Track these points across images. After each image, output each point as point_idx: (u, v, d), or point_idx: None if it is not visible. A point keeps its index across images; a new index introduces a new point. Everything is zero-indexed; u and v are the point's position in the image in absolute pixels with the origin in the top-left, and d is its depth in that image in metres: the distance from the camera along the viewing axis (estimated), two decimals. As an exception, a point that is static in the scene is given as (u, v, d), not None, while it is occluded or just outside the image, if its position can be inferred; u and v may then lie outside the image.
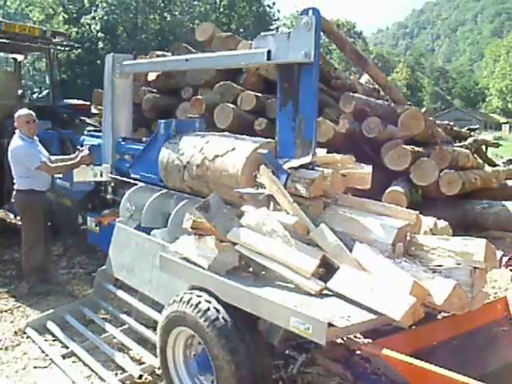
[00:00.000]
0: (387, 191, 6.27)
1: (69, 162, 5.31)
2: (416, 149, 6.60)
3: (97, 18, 32.36)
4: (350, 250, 2.84)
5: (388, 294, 2.52)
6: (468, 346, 2.72)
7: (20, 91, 8.58)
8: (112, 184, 5.32)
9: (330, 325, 2.27)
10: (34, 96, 8.70)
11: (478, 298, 2.70)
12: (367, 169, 3.45)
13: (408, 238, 2.89)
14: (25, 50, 8.37)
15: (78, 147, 5.61)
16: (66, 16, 30.61)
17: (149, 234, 4.22)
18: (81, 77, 30.33)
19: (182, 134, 4.41)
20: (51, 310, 4.67)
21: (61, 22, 29.36)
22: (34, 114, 5.35)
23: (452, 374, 2.14)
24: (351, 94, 7.03)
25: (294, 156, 3.49)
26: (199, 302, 2.85)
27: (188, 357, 3.14)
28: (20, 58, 8.88)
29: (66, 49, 8.64)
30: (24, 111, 5.34)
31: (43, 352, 4.02)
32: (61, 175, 5.67)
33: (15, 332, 4.44)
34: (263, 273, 2.95)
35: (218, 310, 2.78)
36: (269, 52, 3.54)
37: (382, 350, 2.32)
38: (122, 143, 5.30)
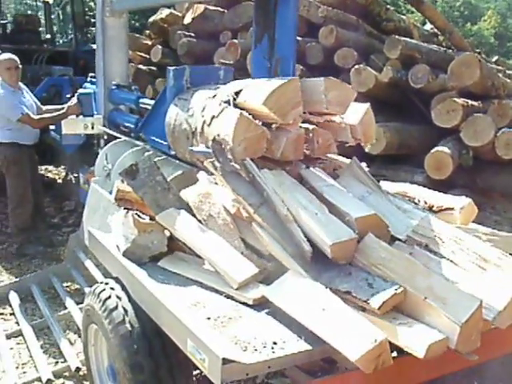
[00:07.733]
0: (431, 152, 5.31)
1: (55, 113, 4.72)
2: (470, 102, 5.50)
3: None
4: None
5: (349, 320, 1.68)
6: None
7: (48, 36, 8.17)
8: (105, 137, 4.72)
9: (227, 361, 1.52)
10: (61, 41, 8.26)
11: None
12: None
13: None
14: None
15: (67, 96, 5.03)
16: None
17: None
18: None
19: (198, 88, 3.09)
20: (25, 276, 4.23)
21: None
22: (17, 59, 4.75)
23: None
24: (397, 37, 5.99)
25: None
26: (109, 297, 2.18)
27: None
28: (50, 0, 8.43)
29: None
30: (5, 56, 4.72)
31: (-8, 329, 3.55)
32: (53, 126, 5.12)
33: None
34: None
35: (126, 311, 2.10)
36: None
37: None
38: (116, 91, 4.65)
